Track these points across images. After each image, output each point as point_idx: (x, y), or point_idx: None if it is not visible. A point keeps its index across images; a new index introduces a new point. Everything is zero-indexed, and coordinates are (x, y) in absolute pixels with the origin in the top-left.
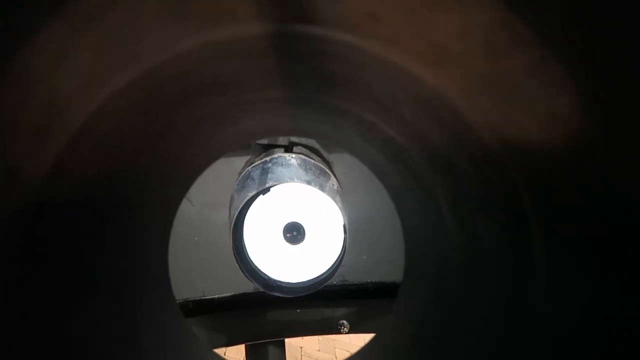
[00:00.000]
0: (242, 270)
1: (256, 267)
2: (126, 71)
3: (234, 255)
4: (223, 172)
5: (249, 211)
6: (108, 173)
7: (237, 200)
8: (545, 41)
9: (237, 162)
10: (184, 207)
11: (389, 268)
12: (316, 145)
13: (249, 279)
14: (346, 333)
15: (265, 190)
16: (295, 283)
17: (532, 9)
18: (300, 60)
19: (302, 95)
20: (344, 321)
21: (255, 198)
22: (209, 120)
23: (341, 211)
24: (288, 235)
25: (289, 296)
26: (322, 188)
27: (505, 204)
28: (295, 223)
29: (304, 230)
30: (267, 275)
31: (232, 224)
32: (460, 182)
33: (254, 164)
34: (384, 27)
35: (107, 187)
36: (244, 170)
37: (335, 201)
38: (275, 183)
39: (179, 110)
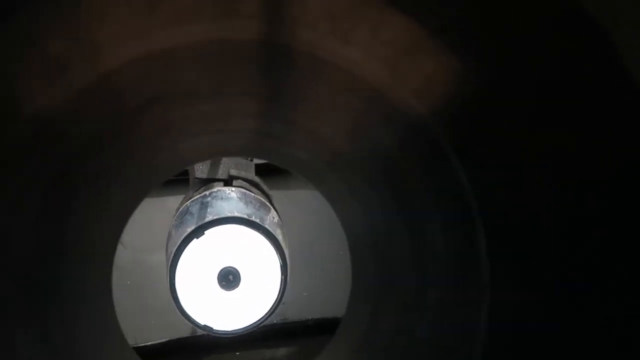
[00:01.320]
0: (179, 311)
1: (190, 316)
2: (90, 66)
3: (171, 294)
4: (157, 213)
5: (182, 256)
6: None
7: (175, 237)
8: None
9: (170, 203)
10: (117, 252)
11: (330, 303)
12: (256, 179)
13: (186, 320)
14: None
15: (199, 234)
16: (231, 331)
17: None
18: (252, 65)
19: (250, 105)
20: None
21: (189, 241)
22: (160, 134)
23: (281, 244)
24: (223, 282)
25: (228, 336)
26: (262, 221)
27: (448, 190)
28: (230, 268)
29: (239, 275)
30: (200, 323)
31: (170, 262)
32: (408, 181)
33: (192, 199)
34: (335, 29)
35: (53, 193)
36: (182, 206)
37: (276, 234)
38: (214, 217)
39: (132, 119)
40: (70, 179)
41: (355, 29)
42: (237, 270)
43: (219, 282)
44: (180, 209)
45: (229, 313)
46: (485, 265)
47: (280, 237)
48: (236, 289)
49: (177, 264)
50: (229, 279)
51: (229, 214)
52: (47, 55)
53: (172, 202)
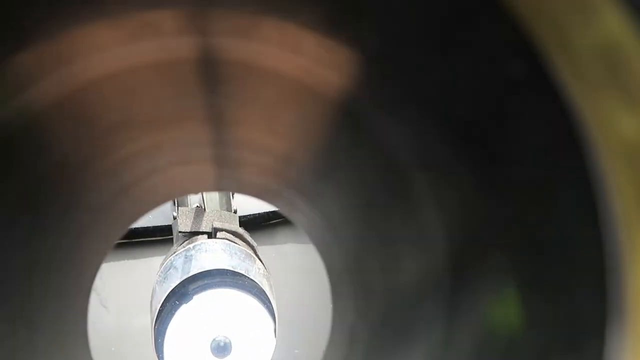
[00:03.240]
0: None
1: None
2: (54, 82)
3: (157, 354)
4: (141, 274)
5: (169, 325)
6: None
7: (159, 293)
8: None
9: (155, 263)
10: (99, 315)
11: None
12: (240, 230)
13: None
14: None
15: (187, 298)
16: None
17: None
18: (222, 84)
19: (222, 132)
20: None
21: (180, 295)
22: (129, 163)
23: (269, 295)
24: (215, 350)
25: None
26: (247, 272)
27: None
28: (222, 337)
29: (230, 343)
30: None
31: (155, 318)
32: (376, 208)
33: (176, 253)
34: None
35: (17, 221)
36: (165, 261)
37: (262, 285)
38: (200, 270)
39: (99, 144)
40: (39, 209)
41: (301, 38)
42: (228, 338)
43: (211, 350)
44: (164, 264)
45: None
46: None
47: (266, 288)
48: (228, 357)
49: (165, 330)
50: (220, 346)
51: (213, 267)
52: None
53: (156, 262)
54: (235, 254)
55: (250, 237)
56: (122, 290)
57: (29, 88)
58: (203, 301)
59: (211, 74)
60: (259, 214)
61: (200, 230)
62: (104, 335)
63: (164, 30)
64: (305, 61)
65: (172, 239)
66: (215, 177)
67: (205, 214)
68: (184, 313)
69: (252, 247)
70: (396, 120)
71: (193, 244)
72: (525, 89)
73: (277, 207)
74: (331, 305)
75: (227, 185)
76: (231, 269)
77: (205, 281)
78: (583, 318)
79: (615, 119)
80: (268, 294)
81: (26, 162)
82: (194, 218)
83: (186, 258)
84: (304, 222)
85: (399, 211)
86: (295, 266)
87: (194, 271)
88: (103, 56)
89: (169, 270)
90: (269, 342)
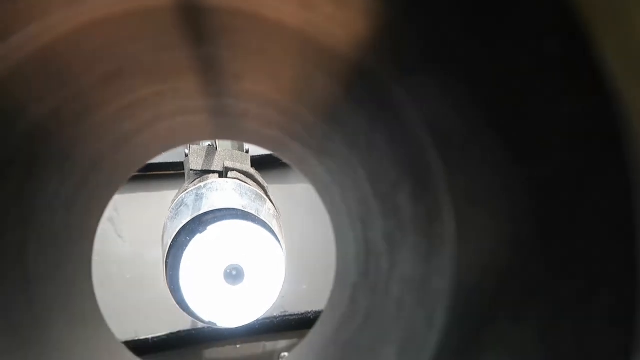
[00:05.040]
0: (178, 304)
1: (193, 311)
2: (36, 27)
3: (169, 288)
4: (154, 207)
5: (185, 251)
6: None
7: (171, 229)
8: None
9: (169, 197)
10: (114, 244)
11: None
12: (251, 171)
13: (186, 313)
14: None
15: (202, 228)
16: (235, 326)
17: None
18: (220, 36)
19: (223, 83)
20: (286, 353)
21: (192, 232)
22: (128, 111)
23: (277, 238)
24: (228, 278)
25: (229, 329)
26: (257, 212)
27: (416, 169)
28: (235, 265)
29: (243, 271)
30: (205, 319)
31: (166, 254)
32: (377, 157)
33: (187, 190)
34: None
35: (10, 175)
36: (177, 198)
37: (272, 225)
38: (210, 208)
39: (94, 94)
40: (29, 156)
41: None
42: (240, 267)
43: (224, 277)
44: (176, 201)
45: (234, 308)
46: (450, 249)
47: (276, 229)
48: (239, 285)
49: (179, 257)
50: (233, 274)
51: (224, 206)
52: None
53: (170, 195)
54: (246, 194)
55: (261, 178)
56: (137, 221)
57: (6, 38)
58: (217, 231)
59: (206, 22)
60: (271, 154)
61: (212, 169)
62: (120, 263)
63: None
64: (312, 16)
65: (183, 173)
66: (219, 126)
67: (217, 153)
68: (198, 242)
69: (263, 188)
70: (412, 84)
71: (204, 183)
72: (563, 70)
73: (284, 158)
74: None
75: (232, 134)
76: (242, 208)
77: (217, 215)
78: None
79: None
80: (277, 235)
81: (19, 110)
82: (205, 157)
83: (197, 196)
84: (310, 174)
85: (407, 181)
86: (305, 206)
87: (204, 209)
88: (81, 6)
89: (180, 207)
90: (280, 273)
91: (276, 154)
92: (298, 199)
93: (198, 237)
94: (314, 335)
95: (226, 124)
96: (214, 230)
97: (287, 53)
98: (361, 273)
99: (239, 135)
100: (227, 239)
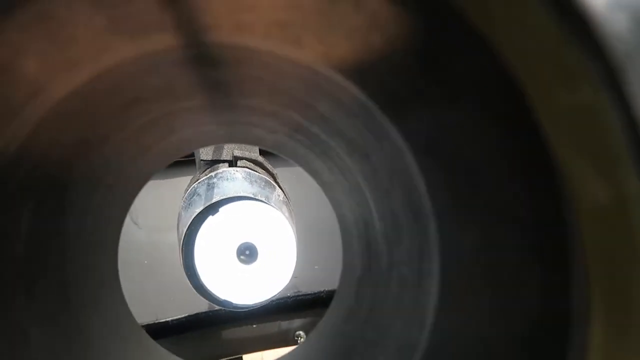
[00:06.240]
0: (195, 289)
1: (209, 290)
2: (66, 80)
3: (186, 273)
4: (169, 194)
5: (199, 233)
6: (49, 183)
7: (185, 218)
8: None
9: (182, 184)
10: (131, 231)
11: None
12: (260, 159)
13: (202, 297)
14: None
15: (214, 211)
16: (250, 304)
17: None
18: (226, 67)
19: (230, 100)
20: (301, 332)
21: (204, 217)
22: (145, 130)
23: (288, 221)
24: (241, 257)
25: (245, 310)
26: (267, 199)
27: (408, 192)
28: (248, 243)
29: (256, 249)
30: (221, 298)
31: (182, 242)
32: (373, 168)
33: (199, 180)
34: (290, 33)
35: (48, 197)
36: (189, 188)
37: (282, 211)
38: (221, 198)
39: (115, 121)
40: (63, 180)
41: (304, 33)
42: (254, 245)
43: (237, 257)
44: (188, 191)
45: (248, 287)
46: (434, 249)
47: (286, 214)
48: (254, 263)
49: (193, 243)
50: (246, 253)
51: (235, 194)
52: (22, 76)
53: (183, 183)
54: (256, 181)
55: (269, 165)
56: (151, 207)
57: (49, 85)
58: (229, 211)
59: (214, 57)
60: None
61: (222, 158)
62: (137, 249)
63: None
64: (305, 52)
65: (194, 160)
66: (228, 133)
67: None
68: (211, 223)
69: (272, 175)
70: (407, 118)
71: (215, 172)
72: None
73: (290, 158)
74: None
75: (240, 139)
76: (252, 196)
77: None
78: None
79: (589, 180)
80: (288, 220)
81: (55, 143)
82: (215, 147)
83: (209, 186)
84: (315, 175)
85: (398, 189)
86: (314, 188)
87: (216, 198)
88: (105, 54)
89: (192, 197)
90: (292, 252)
91: (283, 156)
92: (307, 182)
93: (210, 218)
94: (324, 324)
95: (234, 131)
96: (225, 210)
97: (288, 79)
98: (365, 269)
99: (247, 140)
100: (239, 219)
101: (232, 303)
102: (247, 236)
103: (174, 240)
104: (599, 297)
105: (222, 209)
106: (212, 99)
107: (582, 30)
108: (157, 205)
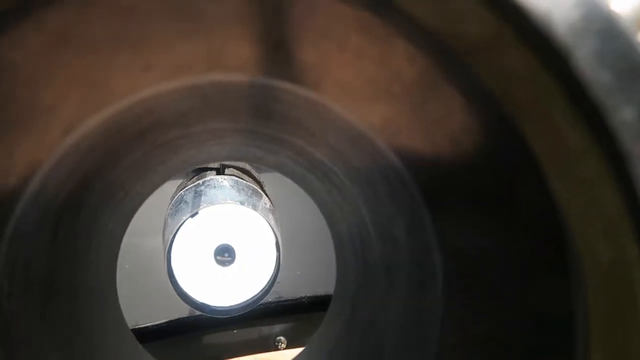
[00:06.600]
0: (178, 295)
1: (187, 293)
2: (96, 117)
3: (170, 279)
4: (152, 199)
5: (177, 235)
6: (66, 203)
7: (171, 225)
8: (435, 84)
9: (165, 188)
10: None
11: (322, 281)
12: (247, 167)
13: (183, 301)
14: (284, 349)
15: (193, 214)
16: (229, 307)
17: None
18: (240, 100)
19: (241, 126)
20: (281, 337)
21: (184, 221)
22: (157, 152)
23: (273, 229)
24: (219, 258)
25: (225, 316)
26: (254, 207)
27: (410, 215)
28: (226, 245)
29: (234, 252)
30: (199, 301)
31: (167, 249)
32: (376, 194)
33: (186, 188)
34: (309, 76)
35: (62, 215)
36: (176, 195)
37: (268, 219)
38: (209, 205)
39: (133, 146)
40: (76, 203)
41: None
42: (232, 247)
43: (215, 258)
44: (175, 198)
45: (225, 290)
46: (439, 274)
47: (272, 222)
48: (232, 266)
49: (172, 245)
50: (224, 255)
51: (222, 202)
52: (61, 117)
53: (167, 187)
54: (243, 189)
55: (256, 173)
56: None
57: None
58: (209, 214)
59: (263, 97)
60: None
61: (209, 166)
62: (120, 254)
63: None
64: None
65: None
66: (232, 153)
67: None
68: (189, 225)
69: (259, 183)
70: (403, 152)
71: (202, 180)
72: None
73: (286, 175)
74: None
75: (242, 158)
76: (239, 204)
77: None
78: None
79: (594, 243)
80: (273, 227)
81: (70, 171)
82: None
83: (196, 193)
84: (312, 193)
85: (403, 217)
86: (298, 194)
87: (203, 206)
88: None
89: (179, 204)
90: (272, 256)
91: (280, 172)
92: (289, 188)
93: (190, 220)
94: (316, 341)
95: (239, 151)
96: (204, 212)
97: (317, 119)
98: (361, 286)
99: (246, 159)
100: (218, 221)
101: (209, 306)
102: (225, 238)
103: (155, 245)
104: (599, 337)
105: (201, 211)
106: (222, 124)
107: (593, 118)
108: (140, 210)
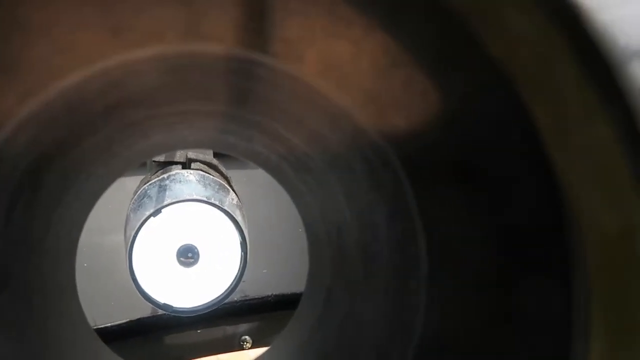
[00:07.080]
0: (140, 294)
1: (149, 293)
2: (58, 84)
3: (132, 279)
4: (113, 194)
5: (139, 233)
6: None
7: (134, 220)
8: (415, 62)
9: (127, 183)
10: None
11: (289, 279)
12: (214, 161)
13: (147, 301)
14: (249, 348)
15: (156, 212)
16: (192, 307)
17: (408, 37)
18: (216, 77)
19: (214, 108)
20: (247, 337)
21: (147, 220)
22: (124, 133)
23: (241, 225)
24: (182, 259)
25: (189, 315)
26: (221, 203)
27: (393, 199)
28: (189, 245)
29: (198, 253)
30: (161, 302)
31: (129, 245)
32: (355, 179)
33: (150, 182)
34: (293, 50)
35: (18, 195)
36: (139, 189)
37: (235, 215)
38: (173, 201)
39: (97, 123)
40: (35, 182)
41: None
42: (195, 247)
43: (177, 259)
44: (138, 192)
45: (189, 291)
46: (423, 260)
47: (239, 218)
48: (195, 266)
49: (134, 244)
50: (187, 256)
51: (187, 197)
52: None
53: (129, 182)
54: (210, 185)
55: (224, 168)
56: (94, 210)
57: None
58: (172, 213)
59: (239, 71)
60: None
61: (175, 160)
62: (78, 252)
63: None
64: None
65: (144, 162)
66: (214, 140)
67: None
68: (152, 223)
69: (226, 178)
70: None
71: (167, 174)
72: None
73: (259, 165)
74: (308, 252)
75: (223, 148)
76: (205, 199)
77: None
78: None
79: (599, 214)
80: (241, 224)
81: (28, 143)
82: None
83: (160, 187)
84: (285, 183)
85: (384, 204)
86: (266, 191)
87: (168, 201)
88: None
89: (142, 199)
90: (236, 256)
91: (250, 161)
92: (258, 184)
93: (152, 220)
94: (289, 334)
95: (231, 143)
96: (167, 211)
97: (296, 100)
98: (336, 276)
99: (218, 147)
100: (181, 220)
101: (172, 307)
102: (188, 238)
103: (115, 242)
104: (601, 315)
105: (164, 210)
106: (192, 105)
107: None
108: (98, 205)
